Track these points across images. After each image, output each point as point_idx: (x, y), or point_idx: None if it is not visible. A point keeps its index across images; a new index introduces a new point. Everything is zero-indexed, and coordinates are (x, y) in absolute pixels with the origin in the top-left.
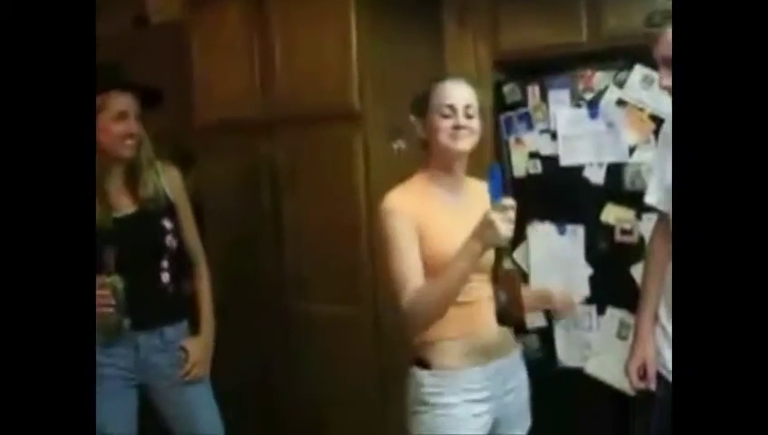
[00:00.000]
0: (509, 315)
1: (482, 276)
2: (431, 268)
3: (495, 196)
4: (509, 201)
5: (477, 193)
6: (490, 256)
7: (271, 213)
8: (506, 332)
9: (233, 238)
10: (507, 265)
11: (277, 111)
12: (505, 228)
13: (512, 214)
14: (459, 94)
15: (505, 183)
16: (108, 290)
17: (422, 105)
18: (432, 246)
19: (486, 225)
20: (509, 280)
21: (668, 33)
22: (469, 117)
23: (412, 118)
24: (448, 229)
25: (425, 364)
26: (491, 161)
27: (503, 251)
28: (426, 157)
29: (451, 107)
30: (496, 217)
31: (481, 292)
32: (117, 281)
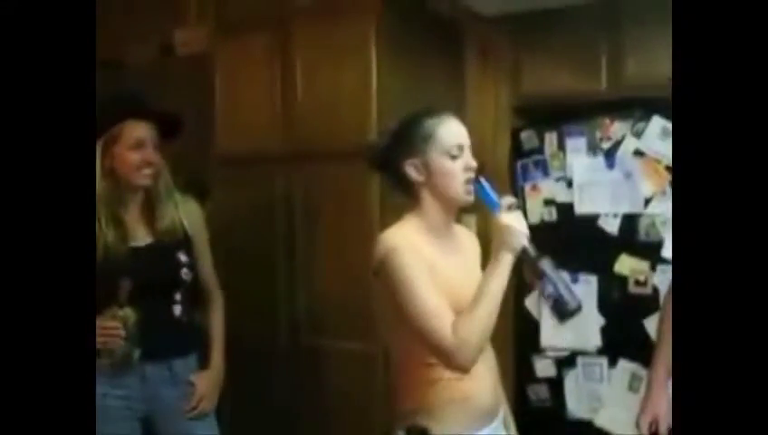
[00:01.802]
0: (567, 304)
1: None
2: None
3: (493, 204)
4: (508, 199)
5: (465, 238)
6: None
7: (285, 247)
8: (498, 387)
9: (246, 271)
10: (539, 257)
11: (296, 145)
12: (521, 225)
13: (518, 210)
14: (463, 132)
15: (495, 187)
16: (119, 322)
17: (423, 145)
18: (443, 285)
19: (504, 231)
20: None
21: None
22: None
23: (408, 161)
24: (454, 267)
25: (421, 433)
26: (473, 179)
27: (526, 248)
28: (414, 201)
29: (460, 147)
30: (509, 219)
31: None
32: (129, 314)
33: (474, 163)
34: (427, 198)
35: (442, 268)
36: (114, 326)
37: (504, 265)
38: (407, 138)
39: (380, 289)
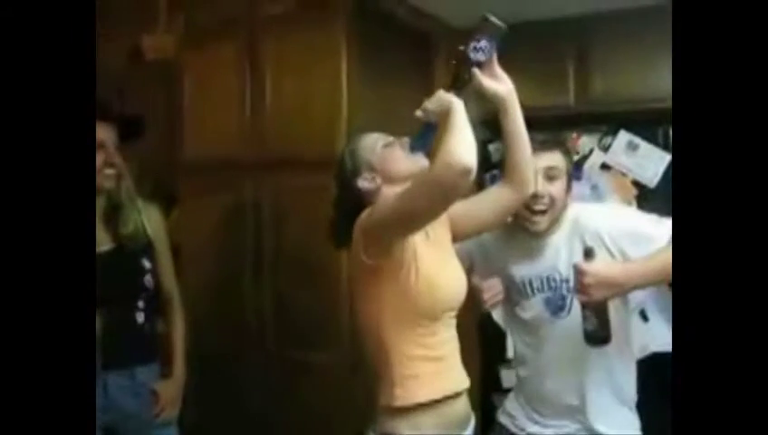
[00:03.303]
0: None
1: (453, 321)
2: (426, 303)
3: (429, 128)
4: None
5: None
6: (460, 295)
7: (254, 255)
8: (467, 397)
9: (212, 279)
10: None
11: (265, 152)
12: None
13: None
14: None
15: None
16: None
17: (357, 159)
18: (427, 269)
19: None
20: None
21: None
22: None
23: (357, 181)
24: (432, 249)
25: None
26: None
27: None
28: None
29: (385, 137)
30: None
31: (452, 345)
32: None
33: (406, 137)
34: (390, 193)
35: (422, 253)
36: None
37: (453, 104)
38: (343, 169)
39: (373, 263)
